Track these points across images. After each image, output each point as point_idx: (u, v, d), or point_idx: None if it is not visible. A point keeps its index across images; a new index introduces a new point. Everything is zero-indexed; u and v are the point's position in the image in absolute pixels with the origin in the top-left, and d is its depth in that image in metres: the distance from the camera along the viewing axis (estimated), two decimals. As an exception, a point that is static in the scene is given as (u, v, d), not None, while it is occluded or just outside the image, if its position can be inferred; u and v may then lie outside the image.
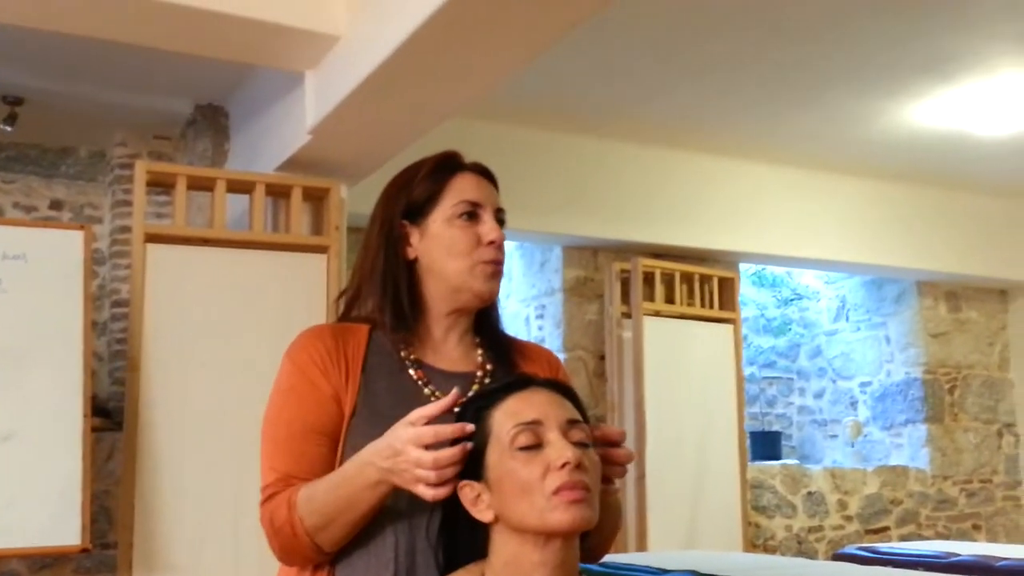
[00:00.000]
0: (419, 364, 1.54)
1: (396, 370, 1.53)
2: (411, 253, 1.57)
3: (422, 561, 1.43)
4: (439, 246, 1.55)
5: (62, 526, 3.35)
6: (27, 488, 3.35)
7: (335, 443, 1.48)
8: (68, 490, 3.38)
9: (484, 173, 1.61)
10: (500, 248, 1.55)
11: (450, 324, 1.58)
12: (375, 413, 1.48)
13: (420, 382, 1.52)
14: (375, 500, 1.39)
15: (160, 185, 3.97)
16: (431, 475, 1.31)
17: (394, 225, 1.57)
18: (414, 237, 1.57)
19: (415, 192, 1.57)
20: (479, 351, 1.60)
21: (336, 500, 1.40)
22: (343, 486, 1.40)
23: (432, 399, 1.48)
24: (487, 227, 1.55)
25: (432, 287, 1.57)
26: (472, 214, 1.55)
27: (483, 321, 1.62)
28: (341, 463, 1.46)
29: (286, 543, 1.44)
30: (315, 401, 1.49)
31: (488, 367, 1.57)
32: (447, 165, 1.59)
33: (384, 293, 1.55)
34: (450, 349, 1.58)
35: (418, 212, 1.56)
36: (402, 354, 1.54)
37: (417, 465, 1.31)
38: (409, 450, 1.32)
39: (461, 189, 1.56)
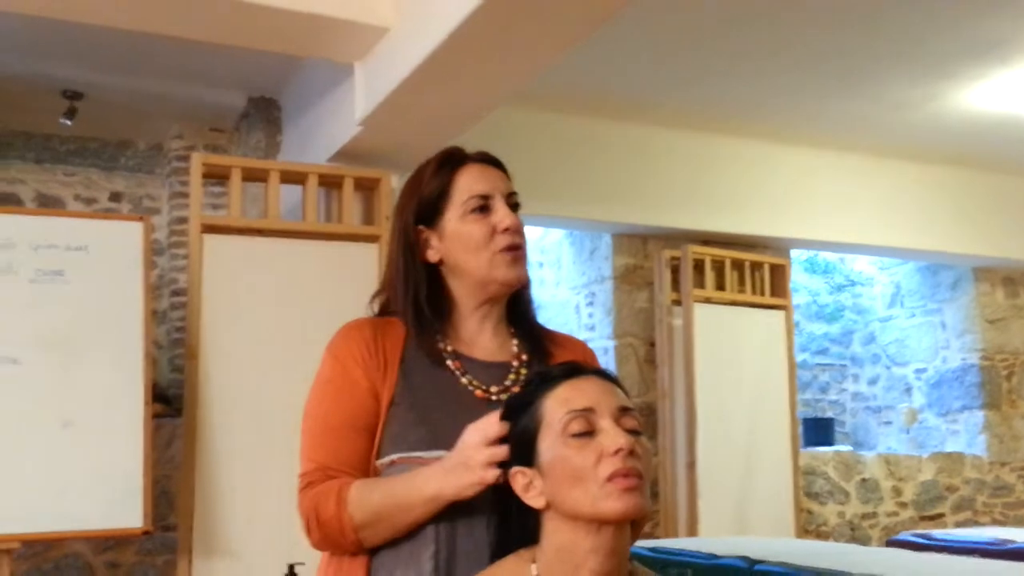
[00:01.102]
0: (456, 355, 1.56)
1: (434, 361, 1.55)
2: (433, 256, 1.58)
3: (463, 547, 1.45)
4: (457, 244, 1.55)
5: (124, 509, 3.43)
6: (90, 473, 3.43)
7: (371, 436, 1.51)
8: (130, 475, 3.45)
9: (489, 161, 1.60)
10: (517, 232, 1.55)
11: (483, 316, 1.59)
12: (414, 403, 1.51)
13: (457, 372, 1.54)
14: (426, 514, 1.42)
15: (216, 177, 4.04)
16: (496, 450, 1.35)
17: (408, 232, 1.58)
18: (433, 240, 1.58)
19: (424, 195, 1.58)
20: (514, 341, 1.61)
21: (390, 505, 1.43)
22: (401, 492, 1.43)
23: (469, 388, 1.52)
24: (499, 215, 1.55)
25: (460, 284, 1.58)
26: (484, 207, 1.55)
27: (516, 311, 1.62)
28: (379, 452, 1.50)
29: (330, 535, 1.48)
30: (352, 396, 1.52)
31: (524, 357, 1.59)
32: (449, 162, 1.59)
33: (405, 299, 1.57)
34: (486, 340, 1.59)
35: (432, 215, 1.57)
36: (439, 346, 1.56)
37: (482, 435, 1.36)
38: (472, 436, 1.37)
39: (468, 184, 1.56)
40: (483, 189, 1.56)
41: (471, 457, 1.37)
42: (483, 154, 1.61)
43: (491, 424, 1.37)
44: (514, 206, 1.58)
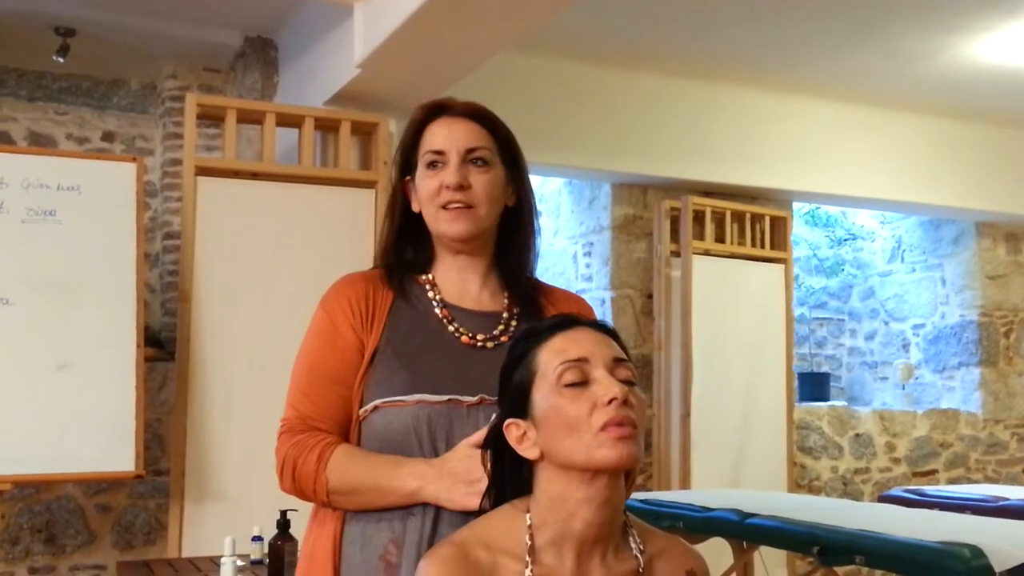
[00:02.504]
0: (444, 304, 1.59)
1: (423, 310, 1.58)
2: (416, 206, 1.61)
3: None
4: (421, 196, 1.59)
5: (116, 453, 3.43)
6: (82, 416, 3.42)
7: (351, 390, 1.54)
8: (122, 418, 3.45)
9: (466, 114, 1.60)
10: (459, 190, 1.55)
11: (462, 266, 1.61)
12: (399, 349, 1.54)
13: (445, 320, 1.57)
14: (402, 503, 1.46)
15: (210, 118, 3.99)
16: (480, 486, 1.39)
17: (396, 181, 1.64)
18: (412, 190, 1.62)
19: (403, 145, 1.63)
20: (505, 293, 1.62)
21: (368, 483, 1.47)
22: (381, 474, 1.46)
23: (456, 335, 1.55)
24: (445, 172, 1.56)
25: (433, 236, 1.62)
26: (438, 163, 1.57)
27: (508, 265, 1.63)
28: (363, 399, 1.53)
29: (303, 490, 1.52)
30: (338, 349, 1.55)
31: (515, 310, 1.60)
32: (424, 114, 1.61)
33: (393, 247, 1.63)
34: (475, 291, 1.61)
35: (410, 166, 1.62)
36: (429, 295, 1.59)
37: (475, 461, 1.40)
38: (463, 454, 1.43)
39: (429, 139, 1.59)
40: (438, 145, 1.57)
41: (455, 483, 1.42)
42: (465, 107, 1.61)
43: (477, 434, 1.42)
44: (479, 160, 1.57)
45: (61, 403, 3.40)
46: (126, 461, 3.44)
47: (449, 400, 1.48)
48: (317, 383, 1.55)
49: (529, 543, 1.31)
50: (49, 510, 4.09)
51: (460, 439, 1.46)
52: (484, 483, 1.39)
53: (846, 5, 4.42)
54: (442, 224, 1.57)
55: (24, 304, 3.42)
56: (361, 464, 1.49)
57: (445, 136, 1.58)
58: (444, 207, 1.56)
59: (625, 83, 5.20)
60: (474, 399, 1.48)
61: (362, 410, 1.52)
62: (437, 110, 1.60)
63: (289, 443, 1.53)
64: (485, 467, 1.38)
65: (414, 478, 1.44)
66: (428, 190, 1.57)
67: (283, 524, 2.96)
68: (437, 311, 1.57)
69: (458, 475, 1.42)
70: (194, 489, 3.53)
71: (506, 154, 1.61)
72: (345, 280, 1.62)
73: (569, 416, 1.28)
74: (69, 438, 3.39)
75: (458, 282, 1.61)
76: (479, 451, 1.40)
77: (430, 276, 1.61)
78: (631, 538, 1.37)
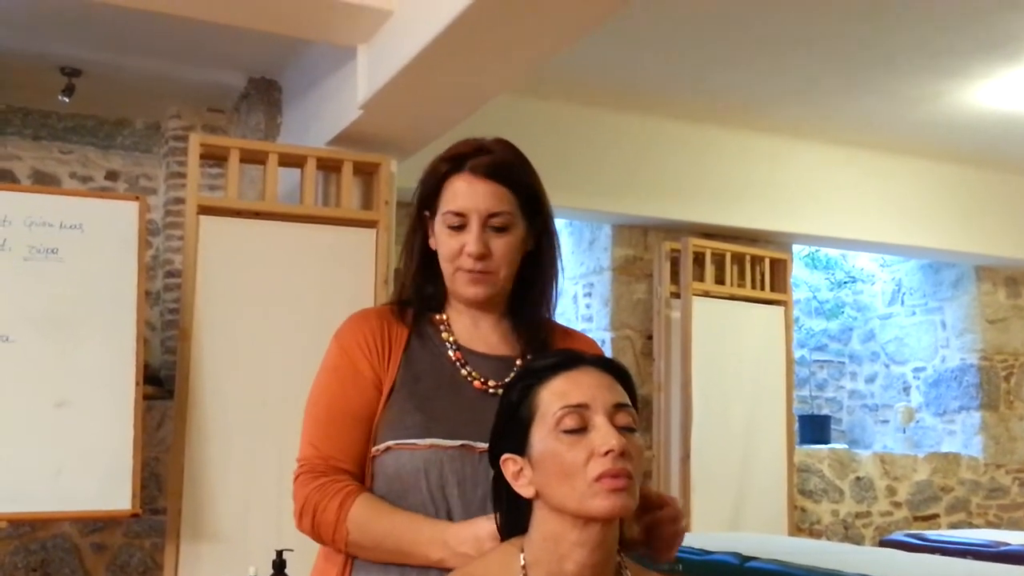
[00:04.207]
0: (458, 346, 1.58)
1: (436, 352, 1.57)
2: (433, 244, 1.60)
3: None
4: (440, 250, 1.58)
5: (113, 491, 3.41)
6: (79, 454, 3.41)
7: (371, 427, 1.53)
8: (119, 456, 3.43)
9: (489, 173, 1.55)
10: (479, 259, 1.54)
11: (476, 313, 1.60)
12: (413, 391, 1.53)
13: (458, 363, 1.56)
14: (423, 565, 1.44)
15: (213, 158, 4.01)
16: None
17: (418, 215, 1.61)
18: (431, 230, 1.60)
19: (425, 186, 1.60)
20: (518, 337, 1.61)
21: (390, 544, 1.45)
22: (404, 540, 1.45)
23: (469, 379, 1.54)
24: (468, 238, 1.54)
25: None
26: (459, 225, 1.55)
27: (521, 307, 1.62)
28: (375, 438, 1.51)
29: (322, 535, 1.50)
30: (356, 386, 1.53)
31: (528, 356, 1.57)
32: (447, 163, 1.57)
33: (413, 280, 1.61)
34: (486, 334, 1.60)
35: (431, 207, 1.59)
36: (443, 336, 1.58)
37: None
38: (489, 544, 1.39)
39: (451, 196, 1.55)
40: (459, 207, 1.55)
41: (484, 544, 1.39)
42: (487, 165, 1.56)
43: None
44: (498, 228, 1.55)
45: (58, 441, 3.39)
46: (123, 500, 3.42)
47: (462, 446, 1.48)
48: (339, 421, 1.53)
49: (522, 582, 1.31)
50: (44, 549, 4.06)
51: (471, 485, 1.46)
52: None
53: (847, 50, 4.46)
54: (459, 286, 1.56)
55: (24, 342, 3.41)
56: (383, 520, 1.46)
57: (467, 198, 1.54)
58: (463, 271, 1.55)
59: (626, 125, 5.24)
60: (486, 446, 1.46)
61: (375, 448, 1.51)
62: (460, 162, 1.56)
63: (312, 486, 1.50)
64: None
65: (433, 543, 1.43)
66: (448, 250, 1.55)
67: (279, 564, 2.94)
68: (451, 353, 1.57)
69: (470, 546, 1.41)
70: (190, 528, 3.51)
71: (528, 206, 1.58)
72: (360, 316, 1.61)
73: (565, 463, 1.28)
74: (66, 476, 3.38)
75: (471, 326, 1.60)
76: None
77: (444, 316, 1.60)
78: (626, 578, 1.37)
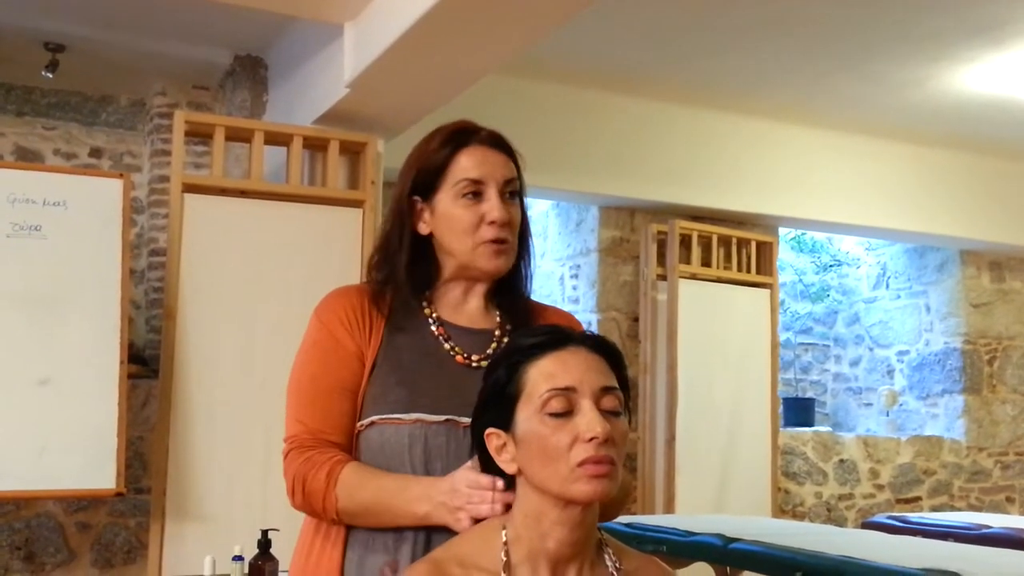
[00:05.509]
0: (440, 321, 1.58)
1: (418, 326, 1.57)
2: (424, 229, 1.58)
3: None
4: (446, 224, 1.56)
5: (97, 470, 3.40)
6: (63, 433, 3.39)
7: (357, 399, 1.53)
8: (103, 435, 3.42)
9: (495, 144, 1.58)
10: (503, 226, 1.54)
11: (467, 288, 1.61)
12: (395, 365, 1.53)
13: (441, 338, 1.56)
14: (413, 524, 1.45)
15: (199, 135, 3.98)
16: (486, 495, 1.37)
17: (404, 200, 1.59)
18: (426, 214, 1.58)
19: (424, 167, 1.57)
20: (497, 312, 1.62)
21: (379, 506, 1.46)
22: (393, 499, 1.45)
23: (451, 353, 1.55)
24: (489, 205, 1.54)
25: (446, 260, 1.59)
26: (476, 192, 1.54)
27: (503, 283, 1.62)
28: (361, 412, 1.52)
29: (312, 506, 1.50)
30: (339, 358, 1.53)
31: (507, 327, 1.60)
32: (455, 138, 1.57)
33: (392, 266, 1.59)
34: (471, 308, 1.61)
35: (428, 188, 1.57)
36: (425, 311, 1.58)
37: (475, 486, 1.39)
38: (463, 489, 1.39)
39: (465, 166, 1.55)
40: (478, 174, 1.55)
41: (455, 503, 1.40)
42: (492, 136, 1.59)
43: (482, 477, 1.39)
44: (512, 194, 1.57)
45: (42, 419, 3.37)
46: (107, 479, 3.41)
47: (447, 420, 1.49)
48: (322, 394, 1.53)
49: (504, 559, 1.32)
50: (28, 527, 4.05)
51: (455, 459, 1.46)
52: (466, 510, 1.39)
53: (833, 34, 4.45)
54: (481, 259, 1.55)
55: (7, 319, 3.40)
56: (370, 484, 1.47)
57: (482, 166, 1.55)
58: (488, 242, 1.54)
59: (613, 107, 5.23)
60: (470, 420, 1.47)
61: (358, 424, 1.52)
62: (468, 136, 1.57)
63: (299, 460, 1.51)
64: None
65: (419, 500, 1.43)
66: (466, 222, 1.54)
67: (264, 544, 2.94)
68: (433, 328, 1.57)
69: (448, 498, 1.41)
70: (175, 508, 3.51)
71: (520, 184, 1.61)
72: (340, 291, 1.61)
73: (549, 446, 1.29)
74: (50, 455, 3.36)
75: (455, 300, 1.60)
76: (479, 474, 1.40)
77: (426, 292, 1.60)
78: (607, 555, 1.39)
